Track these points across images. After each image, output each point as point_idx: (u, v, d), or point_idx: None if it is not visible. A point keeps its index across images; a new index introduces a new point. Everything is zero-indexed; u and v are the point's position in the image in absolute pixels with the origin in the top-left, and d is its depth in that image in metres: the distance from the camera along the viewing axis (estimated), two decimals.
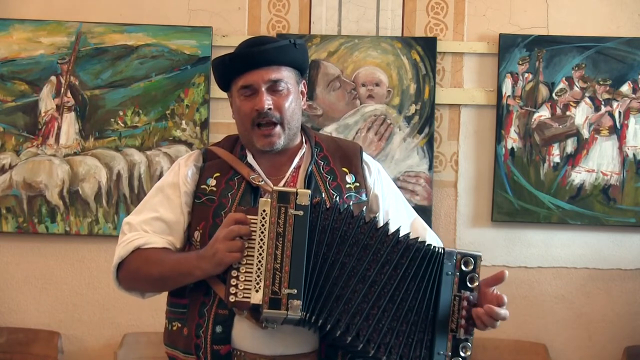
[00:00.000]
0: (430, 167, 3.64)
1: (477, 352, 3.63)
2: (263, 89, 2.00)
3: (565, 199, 3.64)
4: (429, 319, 1.85)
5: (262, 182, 2.02)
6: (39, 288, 3.71)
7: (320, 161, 2.09)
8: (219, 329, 1.94)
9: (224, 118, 3.67)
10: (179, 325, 2.01)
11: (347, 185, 2.07)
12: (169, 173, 2.13)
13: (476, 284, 1.87)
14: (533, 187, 3.64)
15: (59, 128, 3.66)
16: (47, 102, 3.66)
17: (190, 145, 3.64)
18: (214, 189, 2.04)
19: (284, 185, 2.02)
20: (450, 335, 1.85)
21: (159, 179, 3.57)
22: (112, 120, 3.66)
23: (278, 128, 2.02)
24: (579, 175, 3.63)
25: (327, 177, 2.07)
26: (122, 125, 3.66)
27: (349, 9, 3.69)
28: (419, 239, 1.91)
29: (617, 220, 3.64)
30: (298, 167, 2.07)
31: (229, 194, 2.02)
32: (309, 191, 1.87)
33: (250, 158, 2.06)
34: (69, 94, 3.65)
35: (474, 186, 3.70)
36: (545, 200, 3.64)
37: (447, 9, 3.69)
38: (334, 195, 2.02)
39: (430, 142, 3.64)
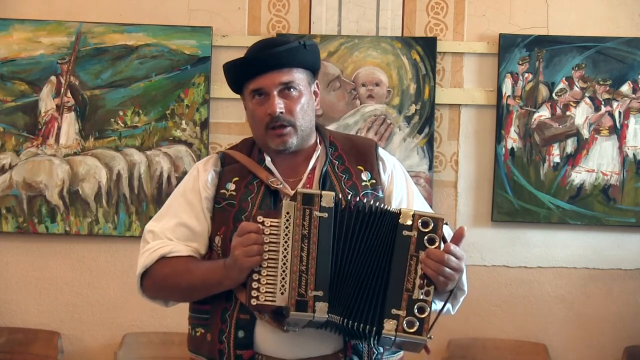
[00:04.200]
0: (430, 167, 3.64)
1: (477, 352, 3.64)
2: (275, 92, 2.00)
3: (565, 199, 3.64)
4: (384, 279, 1.85)
5: (281, 186, 2.02)
6: (39, 288, 3.71)
7: (335, 160, 2.09)
8: (241, 333, 1.94)
9: (224, 118, 3.67)
10: (202, 331, 2.02)
11: (363, 183, 2.07)
12: (188, 178, 2.12)
13: (436, 245, 1.86)
14: (533, 187, 3.64)
15: (59, 128, 3.66)
16: (47, 102, 3.66)
17: (190, 145, 3.64)
18: (234, 193, 2.03)
19: (302, 187, 2.01)
20: (405, 294, 1.83)
21: (159, 179, 3.65)
22: (112, 120, 3.66)
23: (290, 128, 2.02)
24: (579, 175, 3.63)
25: (342, 177, 2.06)
26: (122, 125, 3.66)
27: (349, 9, 3.69)
28: (375, 203, 1.91)
29: (617, 220, 3.64)
30: (314, 168, 2.07)
31: (249, 198, 2.02)
32: (333, 193, 1.88)
33: (268, 161, 2.06)
34: (69, 94, 3.65)
35: (474, 186, 3.70)
36: (545, 200, 3.64)
37: (447, 9, 3.68)
38: (349, 194, 2.01)
39: (430, 142, 3.64)
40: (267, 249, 1.84)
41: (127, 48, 3.66)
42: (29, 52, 3.65)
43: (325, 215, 1.84)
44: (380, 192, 2.08)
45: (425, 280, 1.84)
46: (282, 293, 1.81)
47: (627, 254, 3.69)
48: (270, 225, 1.85)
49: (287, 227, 1.84)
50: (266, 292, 1.82)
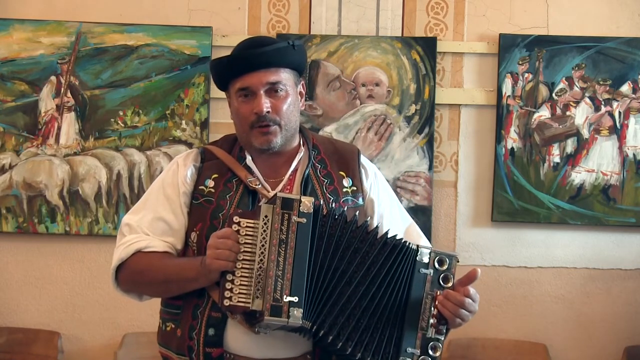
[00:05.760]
0: (430, 167, 3.64)
1: (477, 352, 3.64)
2: (261, 91, 2.00)
3: (565, 199, 3.64)
4: (400, 315, 1.86)
5: (259, 186, 2.01)
6: (39, 288, 3.71)
7: (317, 164, 2.09)
8: (211, 331, 1.94)
9: (224, 118, 3.67)
10: (173, 326, 2.02)
11: (344, 189, 2.07)
12: (167, 172, 2.11)
13: (450, 284, 1.87)
14: (533, 187, 3.64)
15: (59, 128, 3.66)
16: (47, 102, 3.66)
17: (190, 145, 3.64)
18: (212, 190, 2.03)
19: (281, 189, 2.01)
20: (420, 333, 1.85)
21: None
22: (112, 120, 3.66)
23: (275, 127, 2.01)
24: (579, 175, 3.63)
25: (324, 181, 2.06)
26: (122, 125, 3.66)
27: (349, 9, 3.69)
28: (397, 236, 1.91)
29: (617, 220, 3.64)
30: (295, 171, 2.07)
31: (227, 196, 2.01)
32: (312, 199, 1.87)
33: (249, 160, 2.05)
34: (69, 94, 3.65)
35: (474, 186, 3.70)
36: (545, 200, 3.64)
37: (447, 9, 3.69)
38: (330, 199, 2.02)
39: (430, 142, 3.64)
40: (242, 250, 1.83)
41: (127, 48, 3.66)
42: (29, 52, 3.65)
43: (304, 220, 1.83)
44: (360, 199, 2.08)
45: (439, 319, 1.86)
46: (257, 297, 1.80)
47: (627, 254, 3.69)
48: (246, 227, 1.84)
49: (264, 231, 1.83)
50: (239, 293, 1.82)
